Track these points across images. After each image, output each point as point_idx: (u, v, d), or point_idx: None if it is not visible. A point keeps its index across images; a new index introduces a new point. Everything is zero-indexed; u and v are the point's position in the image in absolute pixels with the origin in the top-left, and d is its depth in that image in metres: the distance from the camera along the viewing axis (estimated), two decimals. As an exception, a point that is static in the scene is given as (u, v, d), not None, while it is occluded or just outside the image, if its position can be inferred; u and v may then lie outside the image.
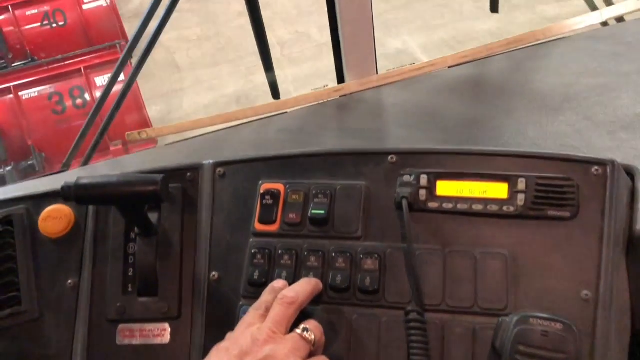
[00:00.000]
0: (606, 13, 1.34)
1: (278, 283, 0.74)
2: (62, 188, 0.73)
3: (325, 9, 1.26)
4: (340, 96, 1.29)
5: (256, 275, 0.77)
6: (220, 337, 0.76)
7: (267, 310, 0.69)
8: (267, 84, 1.57)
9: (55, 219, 0.85)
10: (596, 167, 0.72)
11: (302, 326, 0.68)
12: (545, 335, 0.61)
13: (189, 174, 0.85)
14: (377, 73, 1.29)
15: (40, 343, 0.82)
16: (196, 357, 0.78)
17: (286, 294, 0.70)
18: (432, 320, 0.70)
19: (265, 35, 1.43)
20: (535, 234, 0.72)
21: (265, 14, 1.50)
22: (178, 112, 4.28)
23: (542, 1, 4.48)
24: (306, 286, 0.72)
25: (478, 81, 1.23)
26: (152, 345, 0.79)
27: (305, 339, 0.67)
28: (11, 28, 4.10)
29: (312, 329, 0.68)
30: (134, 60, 1.54)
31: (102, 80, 3.72)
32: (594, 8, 1.46)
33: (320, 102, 1.28)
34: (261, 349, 0.64)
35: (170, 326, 0.80)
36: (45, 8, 4.16)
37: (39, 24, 4.13)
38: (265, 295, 0.72)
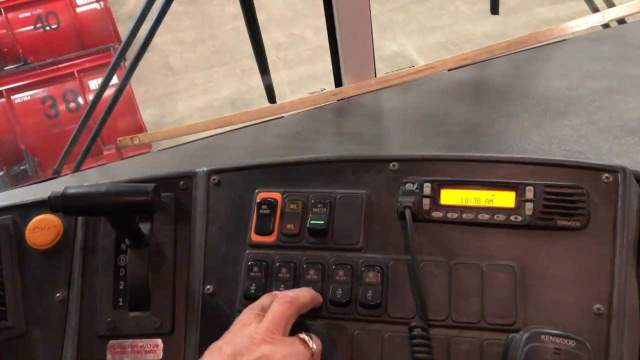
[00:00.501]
0: (608, 14, 1.32)
1: (275, 292, 0.71)
2: (49, 198, 0.70)
3: (321, 11, 1.23)
4: (338, 100, 1.26)
5: (253, 288, 0.74)
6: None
7: (263, 310, 0.66)
8: (262, 86, 1.54)
9: (43, 229, 0.82)
10: (606, 175, 0.70)
11: (303, 332, 0.65)
12: (557, 354, 0.58)
13: (182, 183, 0.82)
14: (375, 76, 1.26)
15: (28, 359, 0.78)
16: None
17: (286, 293, 0.67)
18: (437, 336, 0.67)
19: (261, 38, 1.41)
20: (544, 244, 0.69)
21: (261, 16, 1.48)
22: (172, 116, 4.25)
23: (538, 4, 4.47)
24: (306, 292, 0.70)
25: (479, 84, 1.20)
26: None
27: (305, 344, 0.64)
28: (3, 31, 4.06)
29: (313, 338, 0.65)
30: (127, 63, 1.52)
31: (95, 83, 3.69)
32: (594, 9, 1.44)
33: (318, 106, 1.25)
34: (257, 347, 0.60)
35: (163, 342, 0.76)
36: (39, 11, 4.13)
37: (32, 26, 4.10)
38: (263, 299, 0.69)
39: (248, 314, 0.66)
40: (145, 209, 0.70)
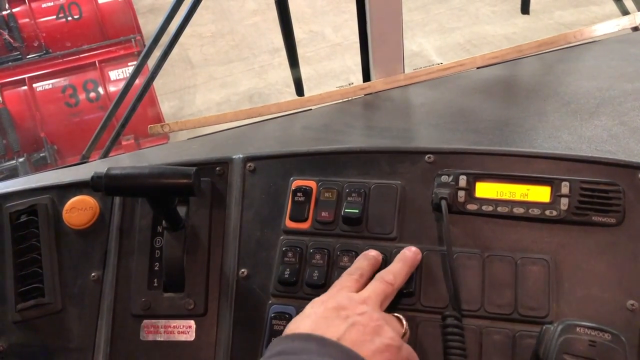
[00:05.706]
0: (639, 17, 1.32)
1: (371, 252, 0.72)
2: (92, 178, 0.71)
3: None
4: (366, 94, 1.27)
5: (287, 273, 0.75)
6: (247, 336, 0.74)
7: (361, 276, 0.68)
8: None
9: (80, 210, 0.84)
10: None
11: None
12: (593, 346, 0.59)
13: (218, 168, 0.83)
14: (403, 72, 1.27)
15: (63, 336, 0.80)
16: (222, 355, 0.76)
17: (384, 276, 0.68)
18: (470, 326, 0.68)
19: (292, 32, 1.42)
20: (579, 239, 0.69)
21: (280, 12, 1.47)
22: (190, 109, 4.28)
23: (560, 7, 4.44)
24: (402, 267, 0.70)
25: (508, 83, 1.20)
26: (176, 342, 0.78)
27: (400, 322, 0.66)
28: (27, 20, 4.11)
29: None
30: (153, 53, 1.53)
31: (116, 74, 3.72)
32: (625, 12, 1.43)
33: (346, 99, 1.26)
34: (358, 305, 0.63)
35: (196, 323, 0.78)
36: (61, 1, 4.18)
37: (54, 16, 4.15)
38: (360, 261, 0.71)
39: (348, 279, 0.68)
40: (186, 191, 0.71)
